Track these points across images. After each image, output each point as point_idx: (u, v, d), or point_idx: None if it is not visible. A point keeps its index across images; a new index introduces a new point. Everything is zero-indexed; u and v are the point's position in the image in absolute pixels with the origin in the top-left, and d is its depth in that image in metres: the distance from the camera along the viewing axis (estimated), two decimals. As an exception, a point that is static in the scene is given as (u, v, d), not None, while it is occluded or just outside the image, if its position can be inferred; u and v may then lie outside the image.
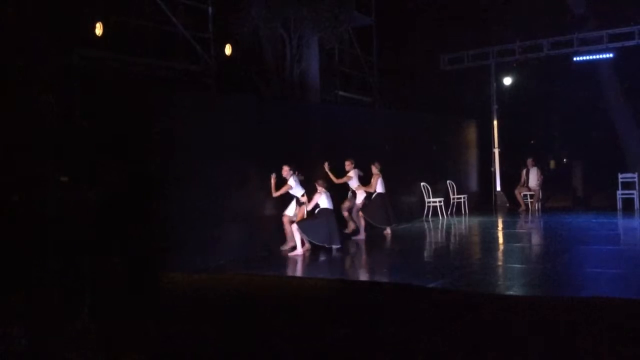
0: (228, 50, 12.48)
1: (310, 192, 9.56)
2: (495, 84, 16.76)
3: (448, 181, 14.74)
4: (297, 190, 9.42)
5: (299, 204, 9.48)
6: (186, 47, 11.65)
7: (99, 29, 9.90)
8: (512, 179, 15.81)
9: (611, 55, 15.01)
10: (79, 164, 7.63)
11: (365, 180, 10.75)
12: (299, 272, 8.38)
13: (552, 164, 17.21)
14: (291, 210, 9.49)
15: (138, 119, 7.99)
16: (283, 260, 8.96)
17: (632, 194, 14.24)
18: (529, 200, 15.08)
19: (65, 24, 8.64)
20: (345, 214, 10.78)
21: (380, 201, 10.79)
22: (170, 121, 8.17)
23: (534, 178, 15.07)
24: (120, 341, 5.07)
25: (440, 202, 13.81)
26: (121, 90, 8.29)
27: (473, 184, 16.66)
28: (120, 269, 7.23)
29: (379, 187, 10.72)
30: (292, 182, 9.33)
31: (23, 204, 7.25)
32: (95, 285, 7.01)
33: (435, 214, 13.77)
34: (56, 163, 7.53)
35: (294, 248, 9.32)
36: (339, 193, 10.48)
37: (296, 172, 9.47)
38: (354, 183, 10.62)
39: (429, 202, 13.77)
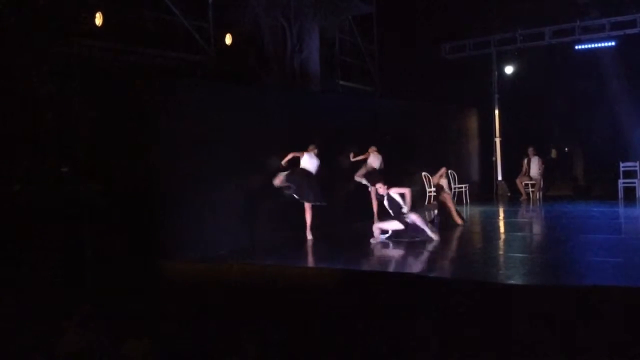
0: (228, 39, 12.43)
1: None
2: (496, 73, 16.70)
3: (449, 170, 14.70)
4: None
5: None
6: (186, 36, 11.61)
7: (98, 19, 9.87)
8: (513, 168, 15.78)
9: (613, 43, 14.93)
10: (79, 155, 7.63)
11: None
12: (299, 261, 8.39)
13: (553, 153, 17.13)
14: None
15: (138, 109, 7.97)
16: (284, 250, 8.97)
17: (634, 182, 14.21)
18: (530, 189, 15.06)
19: (65, 14, 8.61)
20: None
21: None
22: (170, 111, 8.14)
23: (535, 167, 15.03)
24: (123, 327, 5.09)
25: (441, 191, 13.78)
26: (121, 80, 8.28)
27: (474, 173, 16.63)
28: (120, 258, 7.25)
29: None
30: None
31: (24, 195, 7.26)
32: (96, 274, 7.04)
33: (436, 203, 13.76)
34: (57, 154, 7.53)
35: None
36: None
37: None
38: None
39: (430, 192, 13.75)
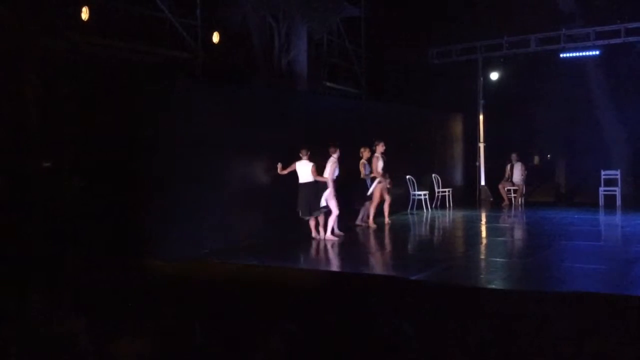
0: (216, 38, 12.40)
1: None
2: (482, 79, 16.82)
3: (433, 175, 14.80)
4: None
5: None
6: (173, 34, 11.56)
7: (85, 14, 9.80)
8: (496, 174, 15.91)
9: (597, 52, 15.11)
10: (63, 151, 7.57)
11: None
12: (283, 262, 8.39)
13: (536, 159, 17.32)
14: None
15: (123, 105, 7.93)
16: (268, 250, 8.96)
17: (614, 190, 14.38)
18: (513, 195, 15.20)
19: (51, 8, 8.54)
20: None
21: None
22: (156, 108, 8.10)
23: (518, 173, 15.19)
24: (110, 328, 5.06)
25: (425, 195, 13.87)
26: (107, 76, 8.22)
27: (458, 177, 16.73)
28: (102, 255, 7.20)
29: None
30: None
31: (6, 190, 7.18)
32: (79, 273, 6.99)
33: (420, 207, 13.83)
34: (41, 149, 7.47)
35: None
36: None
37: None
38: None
39: (414, 195, 13.83)
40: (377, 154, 11.31)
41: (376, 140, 11.38)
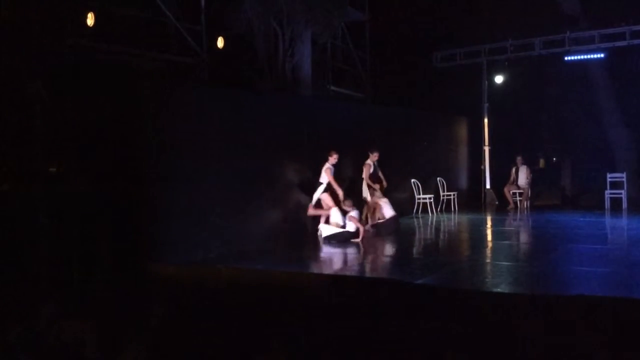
0: (220, 43, 12.44)
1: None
2: (486, 82, 16.81)
3: (438, 178, 14.78)
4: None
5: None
6: (178, 39, 11.60)
7: (90, 19, 9.85)
8: (501, 177, 15.88)
9: (602, 55, 15.08)
10: (68, 155, 7.60)
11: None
12: (288, 266, 8.38)
13: (541, 162, 17.28)
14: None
15: (129, 110, 7.95)
16: (273, 254, 8.96)
17: (620, 193, 14.33)
18: (518, 198, 15.16)
19: (57, 13, 8.58)
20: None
21: None
22: (161, 113, 8.12)
23: (523, 176, 15.15)
24: (117, 332, 5.07)
25: (430, 198, 13.86)
26: (112, 81, 8.25)
27: (463, 181, 16.72)
28: (109, 261, 7.22)
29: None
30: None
31: (11, 195, 7.22)
32: (83, 275, 7.00)
33: (425, 210, 13.82)
34: (46, 154, 7.50)
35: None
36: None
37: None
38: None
39: (419, 199, 13.81)
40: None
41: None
